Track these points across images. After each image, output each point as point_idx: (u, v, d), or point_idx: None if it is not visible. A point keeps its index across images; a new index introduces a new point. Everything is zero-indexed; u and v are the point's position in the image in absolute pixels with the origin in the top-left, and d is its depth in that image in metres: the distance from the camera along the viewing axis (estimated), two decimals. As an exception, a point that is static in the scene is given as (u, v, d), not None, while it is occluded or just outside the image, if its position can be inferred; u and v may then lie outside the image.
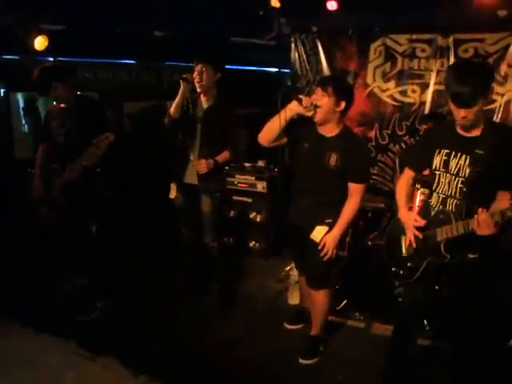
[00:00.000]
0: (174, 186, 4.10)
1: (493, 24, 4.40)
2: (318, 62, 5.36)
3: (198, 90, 3.88)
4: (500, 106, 4.54)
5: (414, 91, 4.95)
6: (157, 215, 5.65)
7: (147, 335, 3.72)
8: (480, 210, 2.46)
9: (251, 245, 5.41)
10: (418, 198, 3.23)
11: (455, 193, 2.64)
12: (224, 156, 3.94)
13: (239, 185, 5.35)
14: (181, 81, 3.76)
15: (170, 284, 4.56)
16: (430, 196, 2.86)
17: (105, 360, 3.38)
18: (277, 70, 6.20)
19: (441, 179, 2.70)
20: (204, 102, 3.98)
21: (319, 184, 3.24)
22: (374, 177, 5.11)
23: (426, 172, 2.89)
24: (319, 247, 3.23)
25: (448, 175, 2.66)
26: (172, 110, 3.84)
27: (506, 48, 4.45)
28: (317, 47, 5.34)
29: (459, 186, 2.61)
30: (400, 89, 5.01)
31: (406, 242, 2.94)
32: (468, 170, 2.56)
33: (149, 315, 4.01)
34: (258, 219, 5.36)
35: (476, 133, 2.58)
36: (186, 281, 4.47)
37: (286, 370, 3.40)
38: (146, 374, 3.27)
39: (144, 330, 3.80)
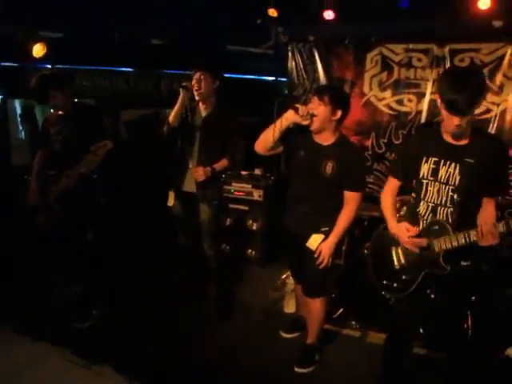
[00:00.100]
0: (172, 194, 4.10)
1: (488, 34, 4.43)
2: (315, 70, 5.38)
3: (197, 97, 3.89)
4: (496, 115, 4.56)
5: (410, 100, 4.97)
6: (153, 222, 5.65)
7: (143, 342, 3.72)
8: (483, 221, 2.50)
9: (247, 253, 5.40)
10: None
11: (445, 201, 2.63)
12: (222, 164, 3.95)
13: (236, 193, 5.35)
14: (180, 89, 3.78)
15: (167, 291, 4.55)
16: (416, 204, 2.80)
17: (100, 367, 3.37)
18: (274, 78, 6.21)
19: (429, 188, 2.68)
20: (203, 110, 3.99)
21: (315, 192, 3.25)
22: (370, 185, 5.12)
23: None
24: (315, 255, 3.24)
25: (437, 184, 2.64)
26: (171, 118, 3.85)
27: (502, 58, 4.47)
28: (314, 56, 5.36)
29: (449, 194, 2.61)
30: (396, 98, 5.03)
31: (398, 253, 2.89)
32: (458, 179, 2.57)
33: (145, 322, 4.00)
34: (255, 227, 5.35)
35: (464, 141, 2.58)
36: (183, 289, 4.46)
37: (281, 378, 3.40)
38: (141, 381, 3.26)
39: (140, 337, 3.79)
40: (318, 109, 3.13)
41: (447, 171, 2.60)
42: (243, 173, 5.44)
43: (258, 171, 5.45)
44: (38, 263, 4.69)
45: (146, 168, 6.53)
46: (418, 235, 2.74)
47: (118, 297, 4.40)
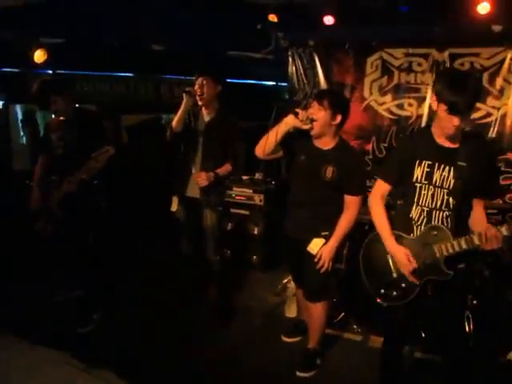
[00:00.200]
0: (175, 199, 4.10)
1: (488, 39, 4.46)
2: (315, 75, 5.39)
3: (200, 103, 3.89)
4: (496, 119, 4.57)
5: (410, 105, 4.98)
6: (154, 226, 5.66)
7: (144, 346, 3.71)
8: (487, 225, 2.50)
9: (248, 257, 5.40)
10: None
11: (441, 205, 2.62)
12: (226, 169, 3.95)
13: (236, 197, 5.36)
14: (183, 94, 3.79)
15: (168, 296, 4.54)
16: (407, 209, 2.75)
17: (100, 371, 3.36)
18: (274, 83, 6.23)
19: (422, 191, 2.66)
20: (205, 116, 3.99)
21: (315, 196, 3.26)
22: (370, 189, 5.10)
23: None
24: (316, 259, 3.24)
25: (431, 187, 2.63)
26: (174, 123, 3.85)
27: (502, 62, 4.49)
28: (314, 61, 5.38)
29: (445, 197, 2.60)
30: (397, 102, 5.04)
31: (396, 262, 2.78)
32: (453, 182, 2.57)
33: (145, 326, 4.00)
34: (256, 232, 5.36)
35: (456, 144, 2.59)
36: (184, 293, 4.45)
37: (283, 382, 3.40)
38: (142, 385, 3.26)
39: (141, 340, 3.79)
40: (318, 114, 3.13)
41: (441, 175, 2.60)
42: (244, 177, 5.45)
43: (258, 176, 5.45)
44: (39, 268, 4.69)
45: (146, 172, 6.55)
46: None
47: (118, 301, 4.40)
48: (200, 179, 3.85)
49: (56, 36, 5.55)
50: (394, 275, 2.80)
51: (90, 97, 6.91)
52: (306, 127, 3.14)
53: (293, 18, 4.92)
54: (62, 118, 3.90)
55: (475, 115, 4.54)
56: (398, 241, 2.75)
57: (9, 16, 4.66)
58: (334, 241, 3.22)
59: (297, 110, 3.18)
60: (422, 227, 2.70)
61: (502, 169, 4.56)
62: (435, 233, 2.63)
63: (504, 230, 2.42)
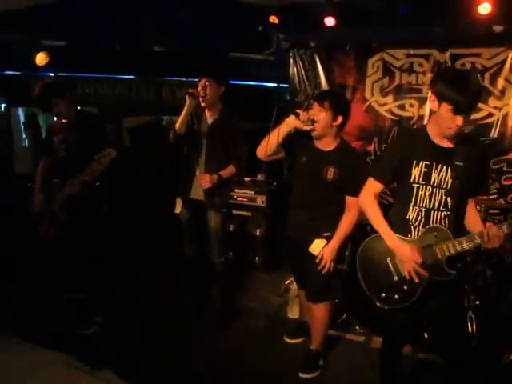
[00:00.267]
0: (179, 201, 4.10)
1: (489, 39, 4.47)
2: (317, 76, 5.40)
3: (203, 104, 3.89)
4: (498, 119, 4.58)
5: (411, 105, 4.98)
6: (156, 229, 5.66)
7: (146, 348, 3.71)
8: (488, 224, 2.50)
9: (251, 259, 5.41)
10: None
11: (439, 205, 2.60)
12: (229, 170, 3.94)
13: (238, 199, 5.36)
14: (187, 96, 3.78)
15: (170, 297, 4.55)
16: (403, 210, 2.70)
17: (103, 373, 3.36)
18: (275, 85, 6.24)
19: (420, 192, 2.62)
20: (209, 117, 3.99)
21: (317, 198, 3.26)
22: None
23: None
24: (317, 260, 3.24)
25: (429, 187, 2.60)
26: (177, 125, 3.86)
27: (503, 62, 4.50)
28: (315, 62, 5.39)
29: (443, 197, 2.59)
30: (398, 103, 5.04)
31: (397, 265, 2.72)
32: (450, 182, 2.57)
33: (148, 328, 4.00)
34: (258, 233, 5.36)
35: (452, 144, 2.58)
36: (186, 294, 4.45)
37: (286, 383, 3.39)
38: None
39: (143, 342, 3.79)
40: (319, 115, 3.14)
41: (439, 175, 2.58)
42: (246, 179, 5.45)
43: (260, 177, 5.46)
44: (41, 269, 4.69)
45: (147, 174, 6.56)
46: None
47: (119, 301, 4.40)
48: (203, 181, 3.84)
49: (57, 39, 5.57)
50: (395, 278, 2.73)
51: (91, 99, 6.93)
52: (307, 128, 3.15)
53: (294, 19, 4.93)
54: (64, 120, 3.90)
55: (477, 115, 4.54)
56: None
57: (10, 19, 4.67)
58: (335, 241, 3.22)
59: (298, 111, 3.19)
60: (420, 228, 2.66)
61: (504, 169, 4.56)
62: (435, 234, 2.60)
63: (505, 228, 2.43)
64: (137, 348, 3.71)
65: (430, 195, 2.62)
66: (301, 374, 3.44)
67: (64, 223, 3.86)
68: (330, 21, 4.76)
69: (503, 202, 4.55)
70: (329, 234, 3.24)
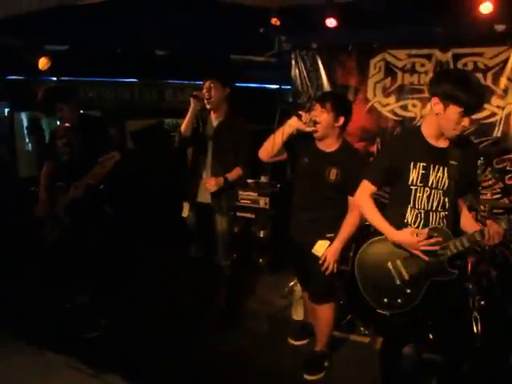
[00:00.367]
0: (186, 205, 4.08)
1: (491, 38, 4.46)
2: (319, 77, 5.40)
3: (208, 106, 3.88)
4: (501, 119, 4.56)
5: (414, 106, 4.97)
6: (159, 231, 5.67)
7: (149, 350, 3.71)
8: (489, 221, 2.53)
9: (255, 260, 5.40)
10: None
11: (437, 206, 2.60)
12: (236, 173, 3.93)
13: (242, 201, 5.35)
14: (191, 98, 3.77)
15: (174, 299, 4.55)
16: (401, 212, 2.68)
17: (107, 376, 3.37)
18: (277, 86, 6.24)
19: (417, 194, 2.61)
20: (214, 119, 3.98)
21: (319, 199, 3.26)
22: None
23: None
24: (320, 261, 3.24)
25: (427, 189, 2.60)
26: (182, 128, 3.84)
27: (506, 61, 4.48)
28: (317, 63, 5.39)
29: (441, 198, 2.59)
30: (400, 103, 5.03)
31: (399, 268, 2.69)
32: (447, 182, 2.57)
33: (152, 330, 4.01)
34: (261, 235, 5.36)
35: (447, 143, 2.59)
36: (191, 296, 4.46)
37: (290, 385, 3.39)
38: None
39: (146, 345, 3.79)
40: (321, 116, 3.14)
41: (437, 176, 2.58)
42: (249, 181, 5.45)
43: (263, 179, 5.46)
44: (46, 273, 4.70)
45: (151, 177, 6.56)
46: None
47: (125, 305, 4.40)
48: (209, 185, 3.84)
49: (60, 43, 5.59)
50: (397, 282, 2.69)
51: (94, 103, 6.95)
52: (309, 129, 3.15)
53: (295, 21, 4.93)
54: (67, 124, 3.91)
55: (480, 115, 4.52)
56: (396, 245, 2.69)
57: (12, 23, 4.68)
58: (338, 242, 3.22)
59: (300, 112, 3.19)
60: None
61: (508, 168, 4.54)
62: (435, 234, 2.58)
63: (504, 224, 2.50)
64: (142, 351, 3.71)
65: (428, 197, 2.61)
66: (305, 376, 3.43)
67: (68, 226, 3.87)
68: (331, 22, 4.75)
69: (507, 201, 4.53)
70: (332, 235, 3.24)
